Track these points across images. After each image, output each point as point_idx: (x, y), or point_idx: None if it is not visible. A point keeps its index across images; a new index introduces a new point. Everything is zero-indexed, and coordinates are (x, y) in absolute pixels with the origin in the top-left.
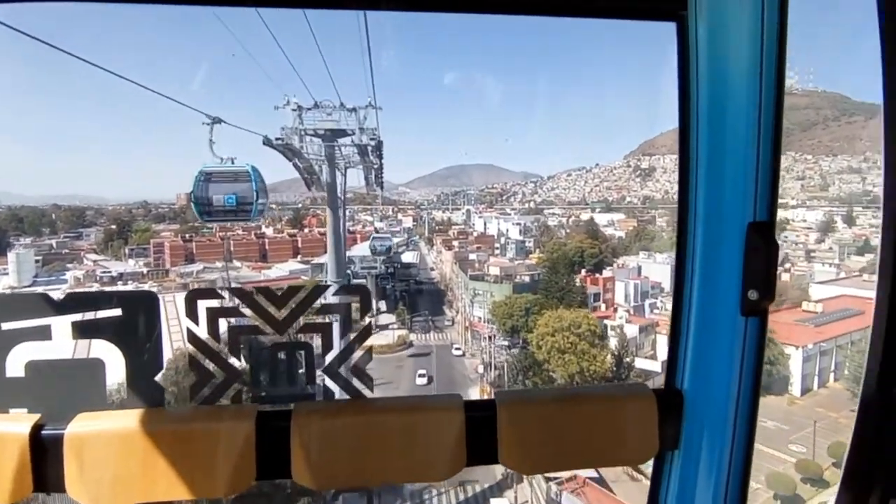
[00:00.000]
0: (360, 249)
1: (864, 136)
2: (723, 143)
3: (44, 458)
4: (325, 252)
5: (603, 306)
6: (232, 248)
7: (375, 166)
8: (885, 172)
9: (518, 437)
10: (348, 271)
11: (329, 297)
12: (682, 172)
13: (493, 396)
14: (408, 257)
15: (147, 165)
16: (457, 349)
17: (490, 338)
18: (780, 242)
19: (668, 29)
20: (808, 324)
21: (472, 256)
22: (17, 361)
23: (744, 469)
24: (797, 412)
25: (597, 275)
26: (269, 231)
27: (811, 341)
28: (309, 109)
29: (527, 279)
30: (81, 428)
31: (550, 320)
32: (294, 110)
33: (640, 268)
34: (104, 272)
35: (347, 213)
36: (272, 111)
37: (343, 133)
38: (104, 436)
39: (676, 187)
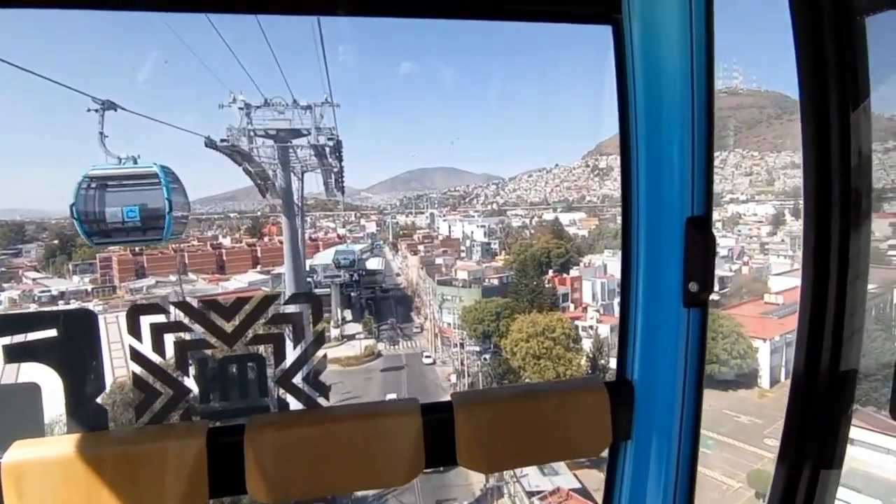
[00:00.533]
0: (323, 257)
1: None
2: (660, 142)
3: None
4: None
5: (571, 306)
6: (187, 261)
7: (335, 169)
8: (804, 175)
9: (475, 437)
10: (310, 280)
11: (280, 307)
12: (624, 171)
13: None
14: (373, 264)
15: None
16: (427, 357)
17: (461, 344)
18: (735, 236)
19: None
20: (772, 316)
21: (439, 261)
22: None
23: (692, 454)
24: (768, 405)
25: (564, 275)
26: (226, 241)
27: (777, 333)
28: (258, 108)
29: (496, 282)
30: (18, 456)
31: (524, 325)
32: (241, 109)
33: (605, 266)
34: (43, 291)
35: (308, 219)
36: (219, 112)
37: (297, 133)
38: (44, 463)
39: None
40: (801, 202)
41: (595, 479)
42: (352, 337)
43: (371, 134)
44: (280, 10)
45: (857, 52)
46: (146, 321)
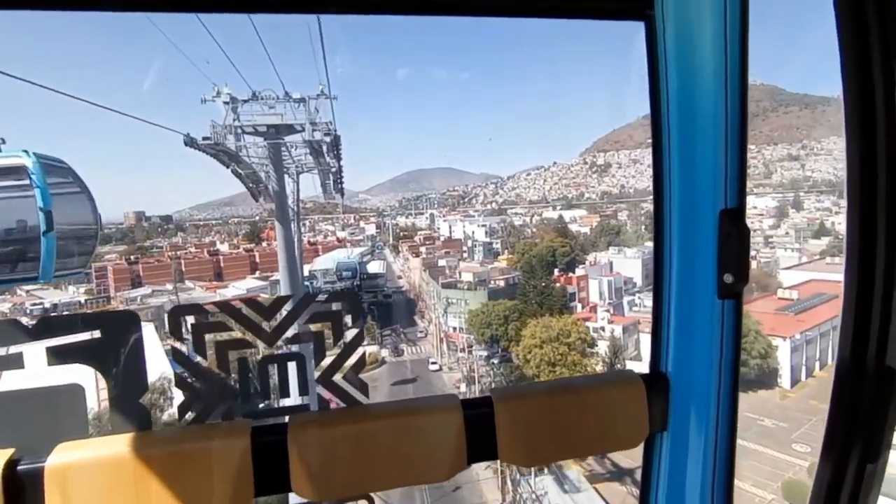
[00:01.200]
0: (323, 262)
1: (800, 125)
2: (693, 135)
3: (21, 496)
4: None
5: (579, 306)
6: (183, 268)
7: (333, 169)
8: (847, 166)
9: (516, 432)
10: (307, 285)
11: (318, 306)
12: (657, 164)
13: (488, 394)
14: (374, 267)
15: (94, 183)
16: (433, 363)
17: (468, 349)
18: None
19: (624, 28)
20: (788, 312)
21: (442, 262)
22: None
23: (729, 445)
24: (791, 406)
25: (570, 274)
26: (224, 247)
27: (797, 331)
28: (246, 101)
29: (502, 284)
30: (63, 459)
31: (537, 330)
32: (227, 103)
33: (611, 264)
34: (35, 304)
35: (307, 223)
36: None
37: (291, 129)
38: (89, 465)
39: (632, 182)
40: (801, 194)
41: (617, 494)
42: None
43: (369, 135)
44: (274, 10)
45: None
46: (188, 321)
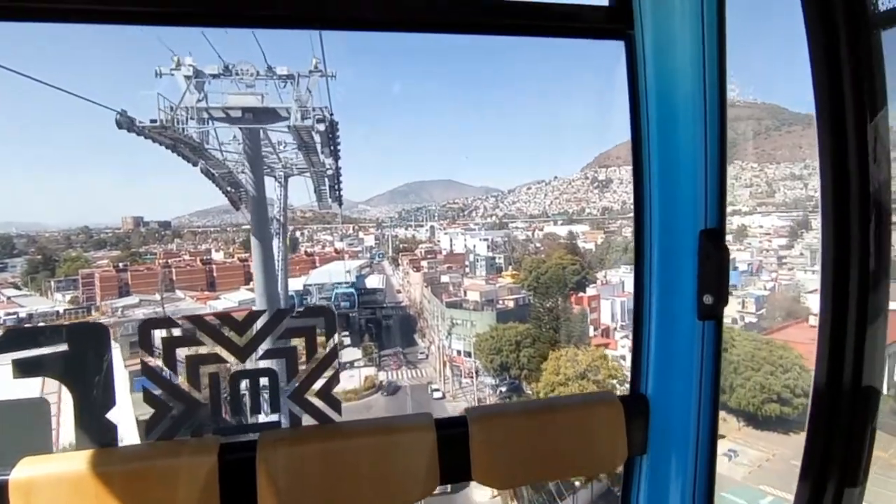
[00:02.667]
0: (319, 275)
1: (804, 143)
2: (674, 154)
3: None
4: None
5: (591, 329)
6: (174, 277)
7: (329, 171)
8: (821, 190)
9: (490, 452)
10: (300, 302)
11: (293, 321)
12: (637, 183)
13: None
14: (372, 282)
15: (94, 187)
16: (436, 390)
17: (473, 374)
18: (747, 249)
19: (619, 45)
20: None
21: (445, 278)
22: None
23: (709, 469)
24: None
25: (580, 293)
26: (219, 256)
27: None
28: (215, 77)
29: (511, 304)
30: (27, 473)
31: (562, 364)
32: (189, 77)
33: (623, 283)
34: (9, 314)
35: (305, 232)
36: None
37: (274, 116)
38: (53, 480)
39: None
40: (809, 214)
41: None
42: (350, 364)
43: (368, 146)
44: (269, 25)
45: (875, 66)
46: (158, 335)
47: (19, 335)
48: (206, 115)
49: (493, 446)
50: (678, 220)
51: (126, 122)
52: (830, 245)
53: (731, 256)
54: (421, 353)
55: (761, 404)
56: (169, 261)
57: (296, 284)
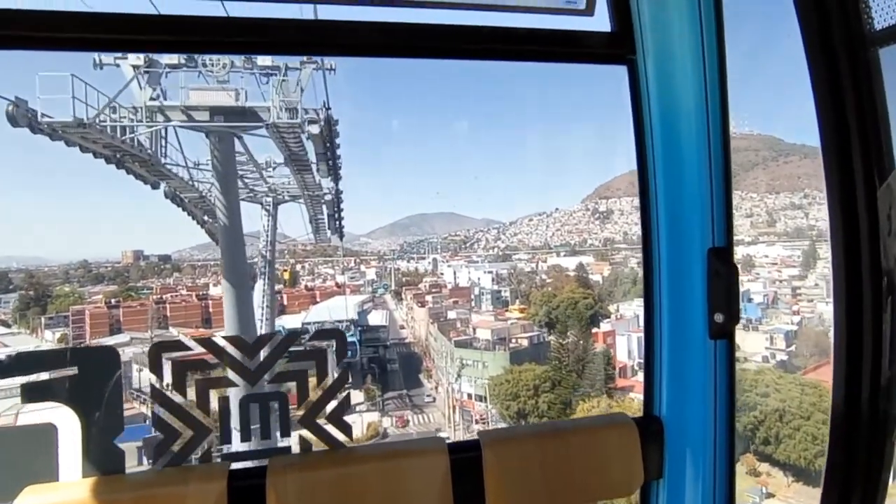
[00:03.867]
0: (318, 313)
1: (801, 174)
2: (679, 174)
3: None
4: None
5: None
6: (168, 313)
7: (327, 195)
8: (830, 219)
9: (504, 477)
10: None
11: (304, 344)
12: (643, 204)
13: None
14: (375, 318)
15: (95, 220)
16: (445, 439)
17: (486, 420)
18: (759, 279)
19: (619, 73)
20: None
21: (452, 314)
22: None
23: (728, 492)
24: None
25: (595, 329)
26: (216, 290)
27: None
28: (174, 68)
29: (525, 343)
30: (31, 502)
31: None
32: (136, 67)
33: (637, 317)
34: None
35: (306, 265)
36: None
37: (253, 117)
38: None
39: (635, 229)
40: (815, 243)
41: None
42: (352, 408)
43: (369, 179)
44: (273, 52)
45: (875, 88)
46: (167, 357)
47: (27, 359)
48: (159, 117)
49: (507, 471)
50: (685, 239)
51: (22, 117)
52: (842, 272)
53: (743, 289)
54: (427, 395)
55: (814, 458)
56: (164, 296)
57: (294, 322)
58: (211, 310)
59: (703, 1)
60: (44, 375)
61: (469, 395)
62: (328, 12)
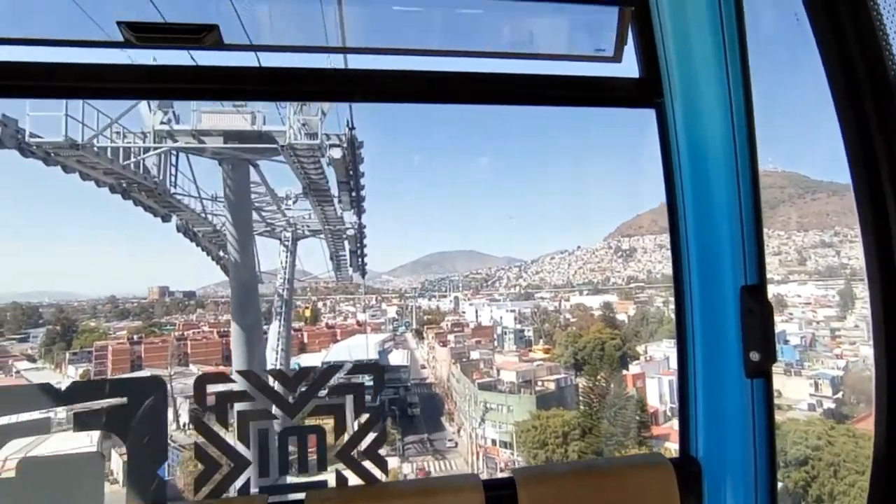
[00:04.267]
0: (339, 352)
1: (830, 211)
2: (709, 213)
3: None
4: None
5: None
6: (189, 350)
7: (349, 231)
8: (866, 258)
9: None
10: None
11: (342, 377)
12: (675, 244)
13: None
14: (395, 358)
15: (123, 257)
16: None
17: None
18: (794, 320)
19: (642, 112)
20: None
21: (475, 355)
22: (11, 459)
23: None
24: None
25: (624, 371)
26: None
27: None
28: None
29: (552, 387)
30: None
31: None
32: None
33: (668, 359)
34: None
35: (327, 303)
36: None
37: (270, 142)
38: None
39: (659, 267)
40: (850, 282)
41: None
42: (368, 464)
43: (391, 216)
44: (292, 98)
45: None
46: (212, 389)
47: (83, 388)
48: (168, 141)
49: None
50: (718, 277)
51: (10, 138)
52: (880, 312)
53: (778, 330)
54: (449, 440)
55: None
56: (186, 333)
57: (313, 362)
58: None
59: (729, 44)
60: (95, 405)
61: (493, 441)
62: (360, 61)
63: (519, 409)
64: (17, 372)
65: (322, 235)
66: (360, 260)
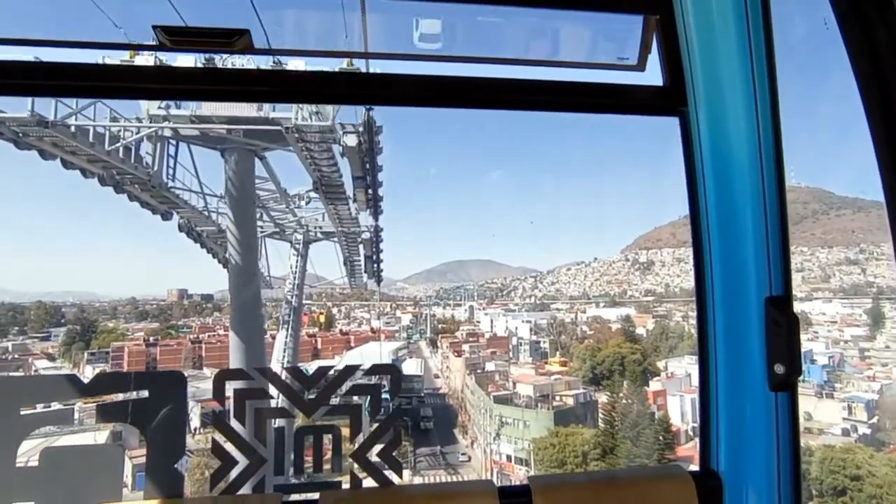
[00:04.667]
0: (352, 359)
1: (856, 228)
2: (733, 223)
3: None
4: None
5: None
6: (203, 353)
7: (364, 234)
8: None
9: None
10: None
11: (359, 378)
12: (697, 255)
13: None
14: (409, 367)
15: (146, 260)
16: None
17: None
18: (819, 339)
19: (662, 123)
20: None
21: (490, 366)
22: (34, 449)
23: None
24: None
25: (644, 387)
26: None
27: None
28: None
29: (570, 402)
30: None
31: None
32: None
33: (690, 376)
34: None
35: (342, 309)
36: None
37: (277, 133)
38: None
39: (678, 281)
40: (880, 301)
41: None
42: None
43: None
44: (306, 100)
45: None
46: (230, 386)
47: (106, 381)
48: (165, 132)
49: None
50: (741, 288)
51: None
52: None
53: (804, 349)
54: (462, 454)
55: None
56: (201, 336)
57: None
58: None
59: (755, 52)
60: (119, 397)
61: (509, 458)
62: (381, 64)
63: (536, 425)
64: (36, 371)
65: (335, 238)
66: (375, 265)
